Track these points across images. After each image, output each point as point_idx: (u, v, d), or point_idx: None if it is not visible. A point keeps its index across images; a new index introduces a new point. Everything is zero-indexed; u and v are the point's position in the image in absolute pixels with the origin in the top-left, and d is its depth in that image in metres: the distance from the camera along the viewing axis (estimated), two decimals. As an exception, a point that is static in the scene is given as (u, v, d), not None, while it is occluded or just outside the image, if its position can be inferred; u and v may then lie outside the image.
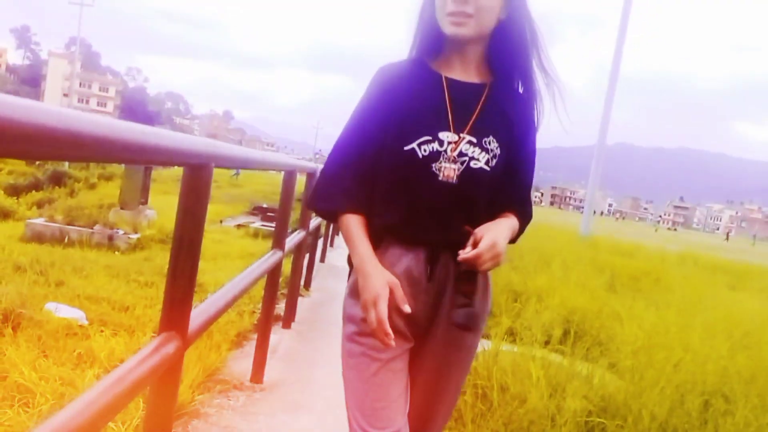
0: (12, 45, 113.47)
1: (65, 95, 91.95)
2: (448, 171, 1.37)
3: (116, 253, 8.23)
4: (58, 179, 24.18)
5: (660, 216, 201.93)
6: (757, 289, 9.84)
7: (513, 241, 1.49)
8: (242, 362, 3.34)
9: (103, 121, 0.84)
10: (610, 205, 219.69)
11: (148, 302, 4.16)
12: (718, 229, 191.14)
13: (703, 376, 3.53)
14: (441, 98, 1.40)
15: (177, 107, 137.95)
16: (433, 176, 1.37)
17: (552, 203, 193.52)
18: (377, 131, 1.40)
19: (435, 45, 1.45)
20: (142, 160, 1.20)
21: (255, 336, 3.47)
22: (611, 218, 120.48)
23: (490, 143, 1.40)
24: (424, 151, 1.37)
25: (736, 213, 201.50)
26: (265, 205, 21.10)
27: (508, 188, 1.49)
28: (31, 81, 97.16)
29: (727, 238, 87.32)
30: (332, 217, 1.46)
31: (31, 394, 2.44)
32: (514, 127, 1.46)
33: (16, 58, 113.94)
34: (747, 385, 3.55)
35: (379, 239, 1.43)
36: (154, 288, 4.78)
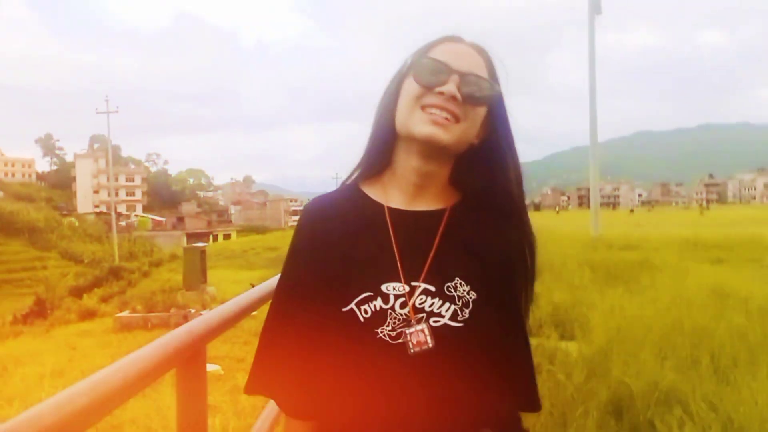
0: (39, 154, 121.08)
1: (95, 192, 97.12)
2: (418, 336, 0.95)
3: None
4: (116, 273, 26.61)
5: (693, 197, 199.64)
6: (742, 259, 11.28)
7: None
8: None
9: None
10: (640, 195, 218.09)
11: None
12: (754, 198, 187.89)
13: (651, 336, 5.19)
14: (384, 237, 1.03)
15: (199, 182, 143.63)
16: (385, 347, 0.96)
17: (580, 204, 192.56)
18: (309, 292, 1.03)
19: (379, 159, 1.09)
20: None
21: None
22: (643, 209, 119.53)
23: (456, 288, 1.00)
24: (365, 312, 0.97)
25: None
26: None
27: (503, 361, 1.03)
28: (61, 184, 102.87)
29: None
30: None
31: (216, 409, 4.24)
32: (488, 257, 1.04)
33: (43, 165, 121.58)
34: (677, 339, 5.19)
35: None
36: (251, 345, 6.59)
